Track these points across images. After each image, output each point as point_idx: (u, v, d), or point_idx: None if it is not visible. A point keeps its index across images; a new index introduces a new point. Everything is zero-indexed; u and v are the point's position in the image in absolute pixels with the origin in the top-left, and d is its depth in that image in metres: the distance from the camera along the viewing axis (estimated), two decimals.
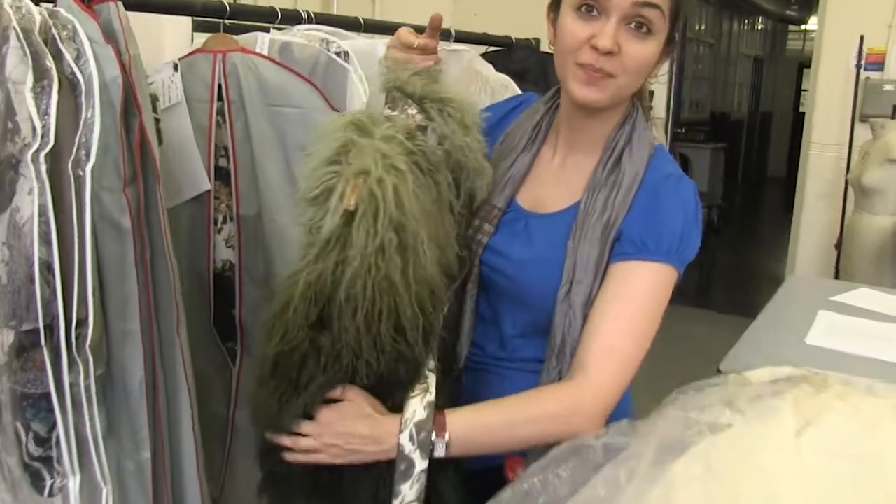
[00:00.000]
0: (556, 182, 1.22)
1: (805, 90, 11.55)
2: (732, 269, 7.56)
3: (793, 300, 2.35)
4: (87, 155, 1.06)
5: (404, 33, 1.16)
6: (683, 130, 8.23)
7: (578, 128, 1.20)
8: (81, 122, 1.05)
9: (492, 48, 2.40)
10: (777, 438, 0.89)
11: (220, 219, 1.54)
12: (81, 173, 1.06)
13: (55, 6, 1.14)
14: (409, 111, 1.13)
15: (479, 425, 1.06)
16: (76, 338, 1.08)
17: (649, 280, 1.10)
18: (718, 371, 1.62)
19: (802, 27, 12.37)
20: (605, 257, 1.12)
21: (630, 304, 1.09)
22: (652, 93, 1.33)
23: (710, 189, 8.57)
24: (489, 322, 1.24)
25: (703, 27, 9.94)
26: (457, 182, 1.15)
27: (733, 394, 0.98)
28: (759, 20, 12.35)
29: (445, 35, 2.03)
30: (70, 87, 1.08)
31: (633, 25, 1.07)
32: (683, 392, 0.95)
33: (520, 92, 2.10)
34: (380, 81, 1.17)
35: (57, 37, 1.09)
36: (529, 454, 1.09)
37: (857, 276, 3.70)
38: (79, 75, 1.07)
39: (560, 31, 1.12)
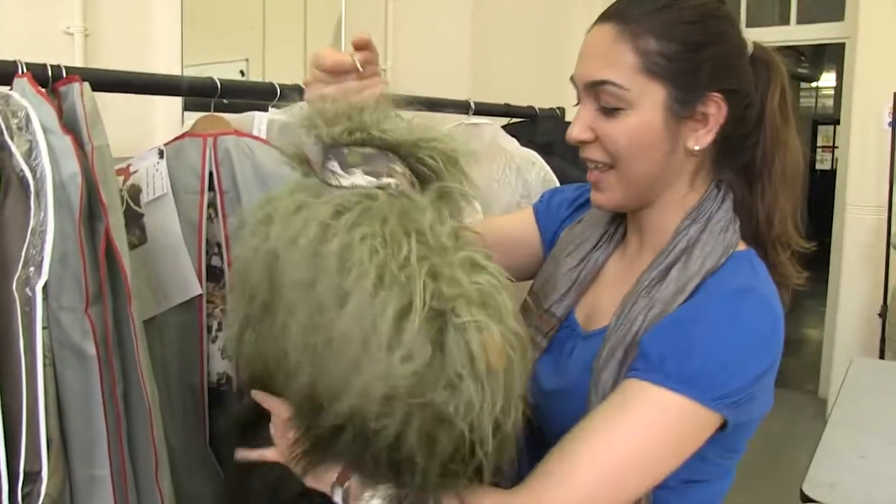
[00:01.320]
0: (614, 289, 0.97)
1: (820, 147, 11.42)
2: None
3: (862, 389, 2.09)
4: (38, 270, 0.86)
5: (329, 53, 0.85)
6: None
7: (640, 220, 0.96)
8: (29, 231, 0.86)
9: (514, 119, 2.23)
10: None
11: (215, 326, 1.34)
12: (30, 293, 0.86)
13: (11, 89, 0.97)
14: (397, 169, 0.79)
15: None
16: (24, 496, 0.88)
17: (655, 408, 0.80)
18: (803, 497, 1.36)
19: (814, 84, 12.32)
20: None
21: (617, 422, 0.80)
22: None
23: None
24: None
25: None
26: None
27: None
28: None
29: (465, 107, 1.87)
30: (19, 187, 0.89)
31: (600, 105, 0.87)
32: None
33: (548, 168, 1.92)
34: (312, 143, 0.82)
35: (4, 127, 0.91)
36: None
37: None
38: (28, 173, 0.88)
39: None
